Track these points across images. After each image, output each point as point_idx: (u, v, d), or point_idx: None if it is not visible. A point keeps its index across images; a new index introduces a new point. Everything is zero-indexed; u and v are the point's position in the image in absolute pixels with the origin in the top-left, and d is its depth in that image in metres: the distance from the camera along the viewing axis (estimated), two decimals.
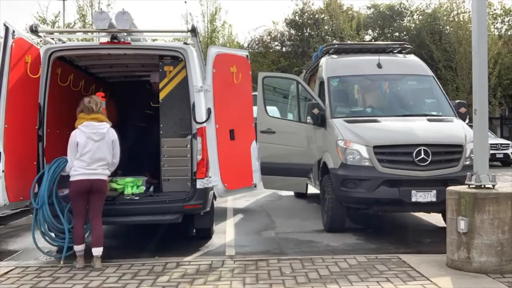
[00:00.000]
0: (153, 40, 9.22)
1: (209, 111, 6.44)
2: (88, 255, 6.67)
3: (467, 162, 7.27)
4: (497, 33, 31.24)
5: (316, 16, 34.60)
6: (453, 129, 7.86)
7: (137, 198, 6.82)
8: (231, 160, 6.58)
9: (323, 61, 9.43)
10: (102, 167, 5.92)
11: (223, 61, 6.65)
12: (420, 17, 34.48)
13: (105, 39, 6.91)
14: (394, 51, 9.68)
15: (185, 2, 29.84)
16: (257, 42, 35.61)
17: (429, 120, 8.14)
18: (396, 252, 6.52)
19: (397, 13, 35.10)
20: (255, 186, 7.07)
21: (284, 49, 36.08)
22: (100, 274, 5.55)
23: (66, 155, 6.06)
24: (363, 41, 31.36)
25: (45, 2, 51.73)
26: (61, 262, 5.92)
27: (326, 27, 32.84)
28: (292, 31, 35.71)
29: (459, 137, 7.59)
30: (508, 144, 21.29)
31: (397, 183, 7.22)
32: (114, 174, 7.55)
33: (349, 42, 26.55)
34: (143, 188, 7.15)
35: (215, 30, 30.40)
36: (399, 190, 7.15)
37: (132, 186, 6.99)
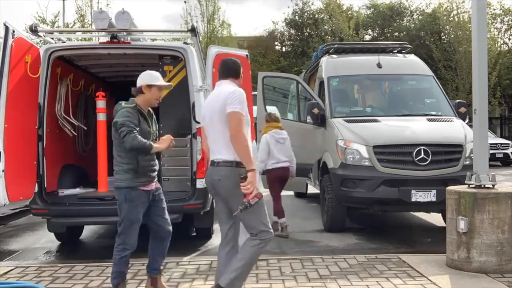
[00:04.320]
0: (153, 40, 9.22)
1: None
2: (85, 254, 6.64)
3: (467, 162, 7.26)
4: (497, 33, 31.30)
5: (316, 16, 34.63)
6: (453, 129, 7.85)
7: None
8: None
9: (323, 61, 9.43)
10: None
11: None
12: (420, 17, 34.50)
13: (105, 38, 6.91)
14: (394, 51, 9.68)
15: (185, 2, 29.79)
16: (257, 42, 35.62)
17: (429, 120, 8.14)
18: (396, 252, 6.51)
19: (397, 13, 35.11)
20: None
21: (284, 49, 36.11)
22: (100, 274, 5.55)
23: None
24: (363, 41, 31.38)
25: (44, 2, 51.68)
26: None
27: (325, 27, 32.86)
28: (292, 31, 35.73)
29: (459, 137, 7.58)
30: (508, 144, 21.28)
31: (397, 182, 7.21)
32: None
33: (348, 42, 26.58)
34: None
35: (214, 30, 30.39)
36: (399, 190, 7.15)
37: None
